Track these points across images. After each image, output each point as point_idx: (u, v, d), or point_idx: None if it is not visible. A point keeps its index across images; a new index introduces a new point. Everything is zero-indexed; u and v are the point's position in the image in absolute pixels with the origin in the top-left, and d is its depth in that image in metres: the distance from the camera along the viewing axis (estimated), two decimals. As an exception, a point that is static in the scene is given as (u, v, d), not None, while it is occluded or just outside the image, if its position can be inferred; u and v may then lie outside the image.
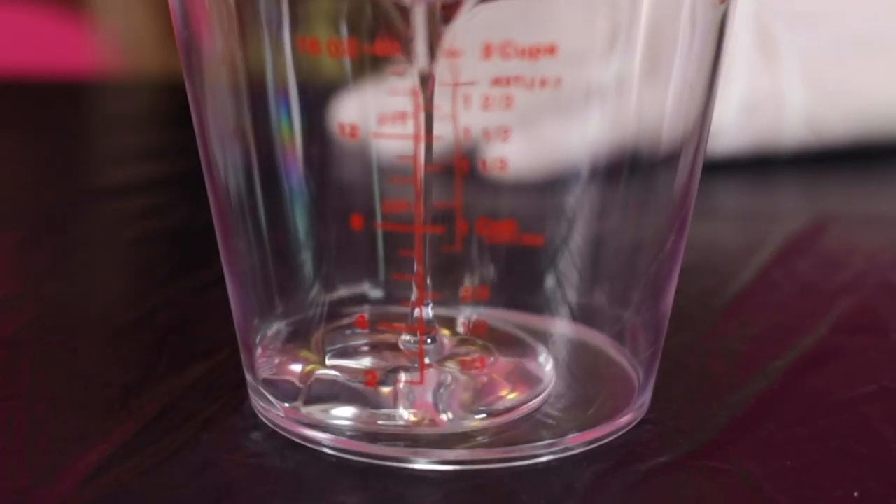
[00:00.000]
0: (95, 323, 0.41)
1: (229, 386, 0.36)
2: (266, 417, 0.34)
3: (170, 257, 0.47)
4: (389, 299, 0.36)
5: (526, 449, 0.32)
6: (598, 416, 0.33)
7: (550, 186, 0.35)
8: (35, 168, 0.59)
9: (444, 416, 0.32)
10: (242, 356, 0.35)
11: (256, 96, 0.33)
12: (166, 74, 0.79)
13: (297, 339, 0.35)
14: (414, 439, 0.32)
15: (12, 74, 0.76)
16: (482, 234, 0.33)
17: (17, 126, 0.66)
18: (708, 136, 0.34)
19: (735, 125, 0.54)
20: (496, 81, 0.31)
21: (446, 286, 0.34)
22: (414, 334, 0.33)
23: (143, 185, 0.55)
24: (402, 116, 0.31)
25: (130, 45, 0.88)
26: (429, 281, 0.33)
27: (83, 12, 0.93)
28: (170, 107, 0.72)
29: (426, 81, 0.31)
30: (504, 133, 0.32)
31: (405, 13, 0.31)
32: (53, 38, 0.94)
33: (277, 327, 0.35)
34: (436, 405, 0.33)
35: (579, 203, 0.34)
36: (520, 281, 0.35)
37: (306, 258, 0.35)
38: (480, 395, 0.33)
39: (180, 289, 0.43)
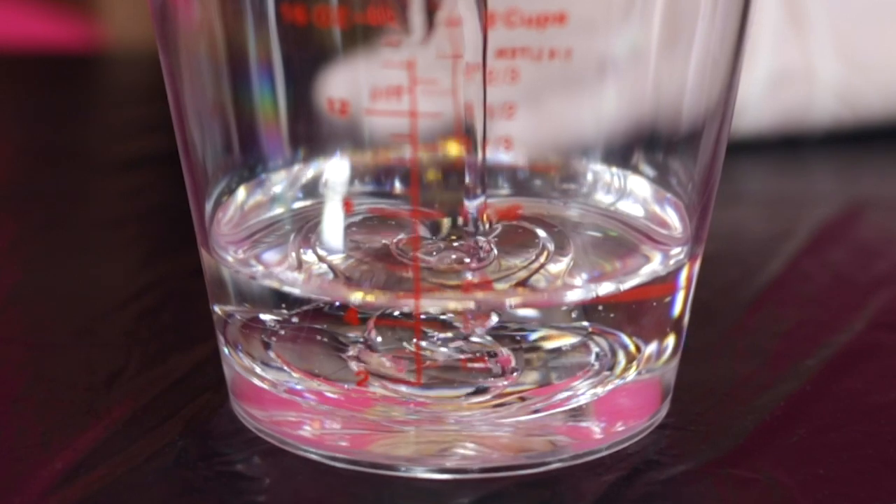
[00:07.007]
0: (60, 316, 0.40)
1: (207, 385, 0.36)
2: (248, 420, 0.34)
3: (143, 243, 0.47)
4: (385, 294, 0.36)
5: (533, 456, 0.32)
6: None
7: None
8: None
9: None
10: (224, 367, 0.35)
11: (238, 69, 0.33)
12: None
13: None
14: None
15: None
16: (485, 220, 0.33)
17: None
18: (732, 113, 0.33)
19: (761, 101, 0.54)
20: (500, 53, 0.31)
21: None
22: (410, 333, 0.33)
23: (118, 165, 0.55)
24: (396, 91, 0.31)
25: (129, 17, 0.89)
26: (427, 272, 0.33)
27: None
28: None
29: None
30: (509, 109, 0.32)
31: (399, -22, 0.31)
32: (47, 11, 0.95)
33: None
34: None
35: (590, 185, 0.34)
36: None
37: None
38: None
39: (154, 279, 0.43)
